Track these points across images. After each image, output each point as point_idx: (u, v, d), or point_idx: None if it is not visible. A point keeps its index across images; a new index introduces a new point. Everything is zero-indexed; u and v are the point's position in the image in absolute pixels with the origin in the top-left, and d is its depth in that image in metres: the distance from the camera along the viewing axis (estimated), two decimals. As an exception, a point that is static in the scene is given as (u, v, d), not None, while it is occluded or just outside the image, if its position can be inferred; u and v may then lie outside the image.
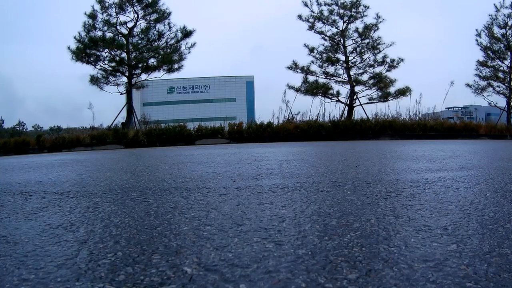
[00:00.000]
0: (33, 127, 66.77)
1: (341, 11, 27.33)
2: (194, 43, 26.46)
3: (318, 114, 26.90)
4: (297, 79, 67.39)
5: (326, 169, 5.55)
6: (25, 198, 3.81)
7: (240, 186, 4.07)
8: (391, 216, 2.63)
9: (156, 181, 4.74)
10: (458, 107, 78.51)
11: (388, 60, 26.96)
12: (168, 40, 26.19)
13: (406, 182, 4.18)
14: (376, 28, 27.17)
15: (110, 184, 4.57)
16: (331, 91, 27.09)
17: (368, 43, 27.43)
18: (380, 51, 27.21)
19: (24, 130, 61.73)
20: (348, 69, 27.38)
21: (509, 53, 28.50)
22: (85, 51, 24.58)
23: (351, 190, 3.71)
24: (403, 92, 26.50)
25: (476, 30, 29.51)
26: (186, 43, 26.42)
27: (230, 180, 4.57)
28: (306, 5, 27.52)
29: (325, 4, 27.43)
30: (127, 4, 25.19)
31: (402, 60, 26.98)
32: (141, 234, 2.30)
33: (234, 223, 2.52)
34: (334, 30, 27.85)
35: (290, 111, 27.54)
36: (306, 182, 4.30)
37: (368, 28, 27.19)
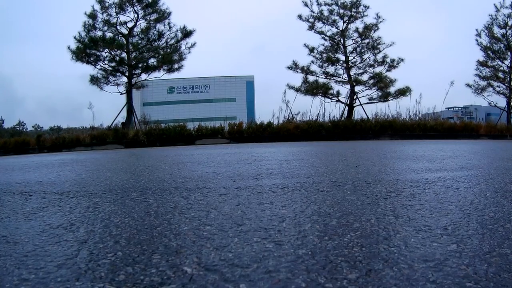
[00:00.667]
0: (33, 127, 66.65)
1: (341, 11, 27.30)
2: (194, 43, 26.44)
3: (318, 114, 26.93)
4: (297, 79, 67.36)
5: (326, 169, 5.56)
6: (25, 198, 3.81)
7: (240, 186, 4.07)
8: (391, 216, 2.63)
9: (156, 181, 4.74)
10: (458, 107, 78.48)
11: (388, 60, 26.93)
12: (168, 40, 26.17)
13: (406, 182, 4.18)
14: (376, 28, 27.15)
15: (110, 184, 4.57)
16: (331, 91, 27.08)
17: (368, 43, 27.41)
18: (380, 51, 27.19)
19: (24, 130, 61.63)
20: (348, 69, 27.35)
21: (509, 53, 28.49)
22: (85, 51, 24.58)
23: (351, 190, 3.72)
24: (403, 92, 26.47)
25: (476, 30, 29.52)
26: (186, 43, 26.41)
27: (230, 180, 4.57)
28: (306, 5, 27.51)
29: (325, 4, 27.40)
30: (127, 4, 25.16)
31: (402, 60, 26.95)
32: (141, 234, 2.30)
33: (234, 223, 2.52)
34: (334, 30, 27.84)
35: (290, 111, 27.54)
36: (306, 182, 4.30)
37: (368, 28, 27.16)
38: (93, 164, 8.24)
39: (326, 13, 27.48)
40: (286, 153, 9.55)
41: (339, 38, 27.64)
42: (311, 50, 27.69)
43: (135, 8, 25.36)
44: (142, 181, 4.74)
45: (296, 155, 8.59)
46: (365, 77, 27.45)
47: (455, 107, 77.56)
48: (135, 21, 25.61)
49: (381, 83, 26.54)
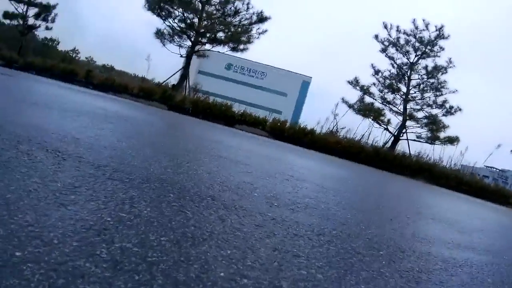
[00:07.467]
0: (86, 58, 67.06)
1: (417, 44, 27.01)
2: (266, 30, 26.30)
3: (362, 135, 26.59)
4: (353, 95, 66.91)
5: (363, 216, 5.40)
6: (58, 162, 3.69)
7: (276, 217, 3.91)
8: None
9: (194, 179, 4.61)
10: (496, 169, 76.96)
11: (447, 105, 26.54)
12: (242, 20, 26.05)
13: (437, 260, 4.01)
14: (444, 71, 26.70)
15: (149, 169, 4.45)
16: (382, 118, 26.86)
17: (432, 83, 27.03)
18: (442, 95, 26.83)
19: (76, 57, 61.77)
20: (406, 101, 27.09)
21: None
22: (159, 3, 24.76)
23: (386, 260, 3.55)
24: (452, 140, 26.10)
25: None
26: (258, 28, 26.31)
27: (266, 204, 4.41)
28: (385, 27, 27.20)
29: (404, 33, 27.09)
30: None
31: (460, 109, 26.46)
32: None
33: (271, 281, 2.36)
34: (405, 60, 27.65)
35: (337, 124, 27.21)
36: (342, 232, 4.13)
37: (437, 69, 26.76)
38: (135, 127, 8.21)
39: (402, 41, 27.17)
40: (323, 174, 9.42)
41: (407, 70, 27.35)
42: (376, 72, 27.49)
43: (220, -22, 25.37)
44: (180, 175, 4.62)
45: (333, 182, 8.43)
46: (420, 115, 27.18)
47: (493, 167, 75.98)
48: (216, -10, 25.57)
49: (434, 126, 26.18)
